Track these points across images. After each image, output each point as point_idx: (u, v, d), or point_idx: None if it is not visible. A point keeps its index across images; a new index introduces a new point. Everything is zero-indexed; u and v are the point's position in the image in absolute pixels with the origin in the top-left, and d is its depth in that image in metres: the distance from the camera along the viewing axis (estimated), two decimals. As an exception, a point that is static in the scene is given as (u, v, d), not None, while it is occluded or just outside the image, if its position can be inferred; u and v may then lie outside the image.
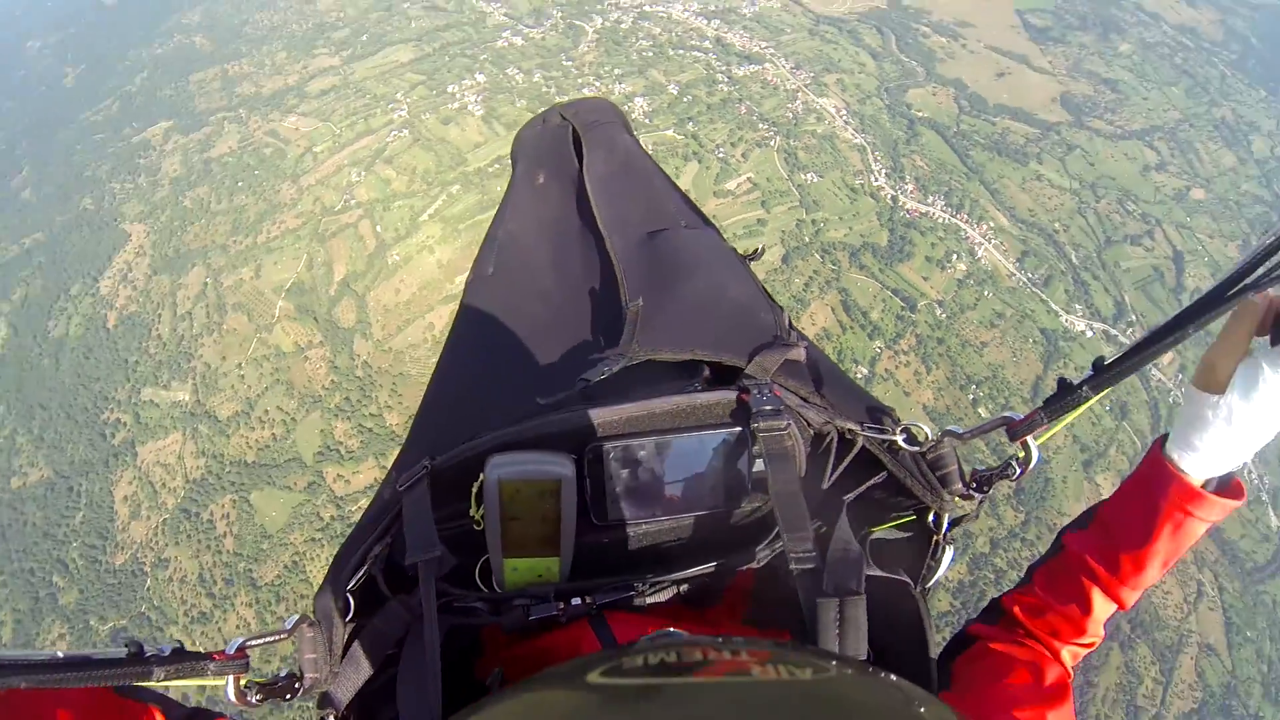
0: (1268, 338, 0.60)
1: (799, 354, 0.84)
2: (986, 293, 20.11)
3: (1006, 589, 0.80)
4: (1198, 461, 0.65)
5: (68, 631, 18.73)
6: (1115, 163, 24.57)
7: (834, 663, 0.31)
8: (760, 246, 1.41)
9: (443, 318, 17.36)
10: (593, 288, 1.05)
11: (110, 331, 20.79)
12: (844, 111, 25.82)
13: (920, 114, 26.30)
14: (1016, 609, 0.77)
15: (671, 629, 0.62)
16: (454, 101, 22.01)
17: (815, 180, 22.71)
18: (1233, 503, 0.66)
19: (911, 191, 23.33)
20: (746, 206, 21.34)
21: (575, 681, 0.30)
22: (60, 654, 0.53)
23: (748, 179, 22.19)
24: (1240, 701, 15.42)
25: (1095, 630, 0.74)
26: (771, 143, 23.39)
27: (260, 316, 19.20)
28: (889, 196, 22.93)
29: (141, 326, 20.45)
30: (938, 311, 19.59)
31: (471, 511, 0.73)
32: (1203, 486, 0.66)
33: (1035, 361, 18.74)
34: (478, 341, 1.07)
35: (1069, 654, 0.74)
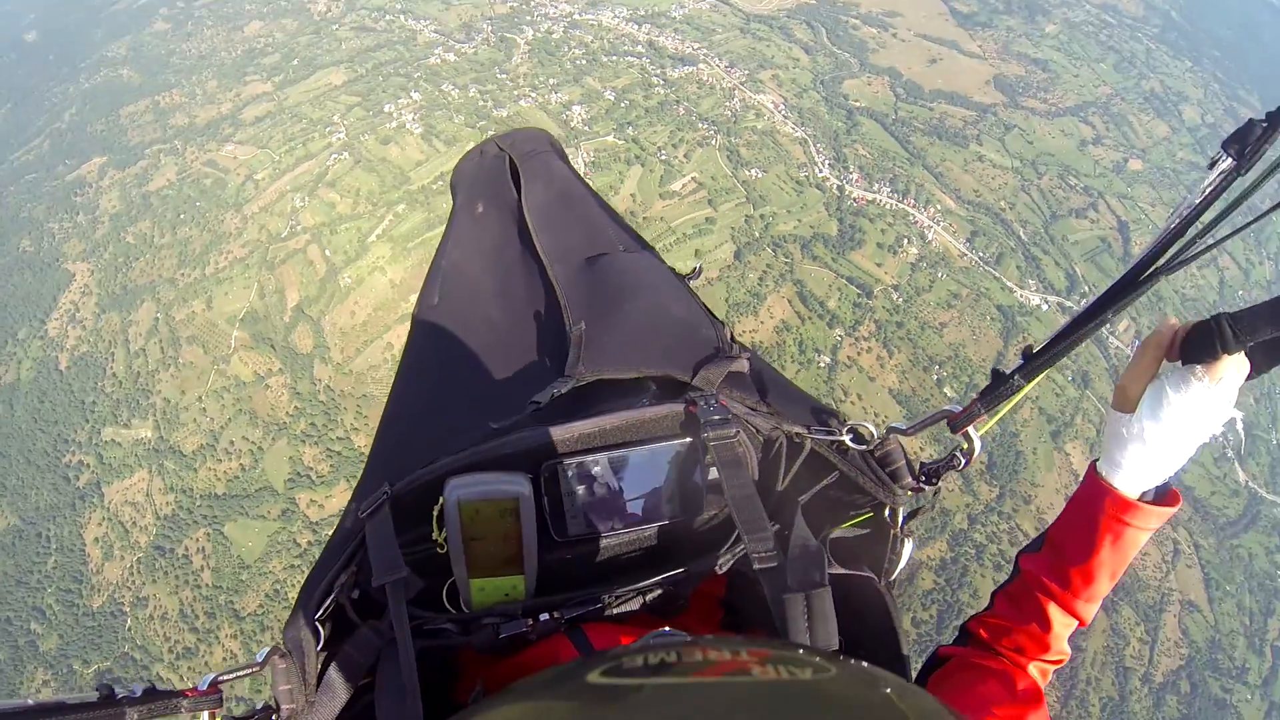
0: (1177, 362, 0.63)
1: (742, 365, 0.87)
2: (940, 274, 20.92)
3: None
4: (1126, 477, 0.69)
5: (51, 678, 18.85)
6: (1053, 139, 25.55)
7: (835, 663, 0.31)
8: (698, 266, 1.44)
9: (400, 337, 17.71)
10: (537, 313, 1.08)
11: (63, 373, 20.60)
12: (782, 106, 26.52)
13: (858, 104, 26.97)
14: (982, 630, 0.80)
15: (670, 629, 0.62)
16: (392, 121, 22.16)
17: (760, 176, 22.97)
18: (1168, 510, 0.69)
19: (857, 180, 23.57)
20: (694, 206, 21.83)
21: (575, 682, 0.30)
22: (31, 701, 0.54)
23: (692, 179, 22.73)
24: (1226, 655, 16.04)
25: (1059, 646, 0.76)
26: (713, 141, 23.98)
27: (216, 348, 19.30)
28: (835, 186, 23.45)
29: (95, 366, 20.31)
30: (894, 296, 20.27)
31: (434, 535, 0.75)
32: (1140, 498, 0.70)
33: (995, 338, 19.52)
34: (428, 369, 1.11)
35: (1036, 670, 0.77)
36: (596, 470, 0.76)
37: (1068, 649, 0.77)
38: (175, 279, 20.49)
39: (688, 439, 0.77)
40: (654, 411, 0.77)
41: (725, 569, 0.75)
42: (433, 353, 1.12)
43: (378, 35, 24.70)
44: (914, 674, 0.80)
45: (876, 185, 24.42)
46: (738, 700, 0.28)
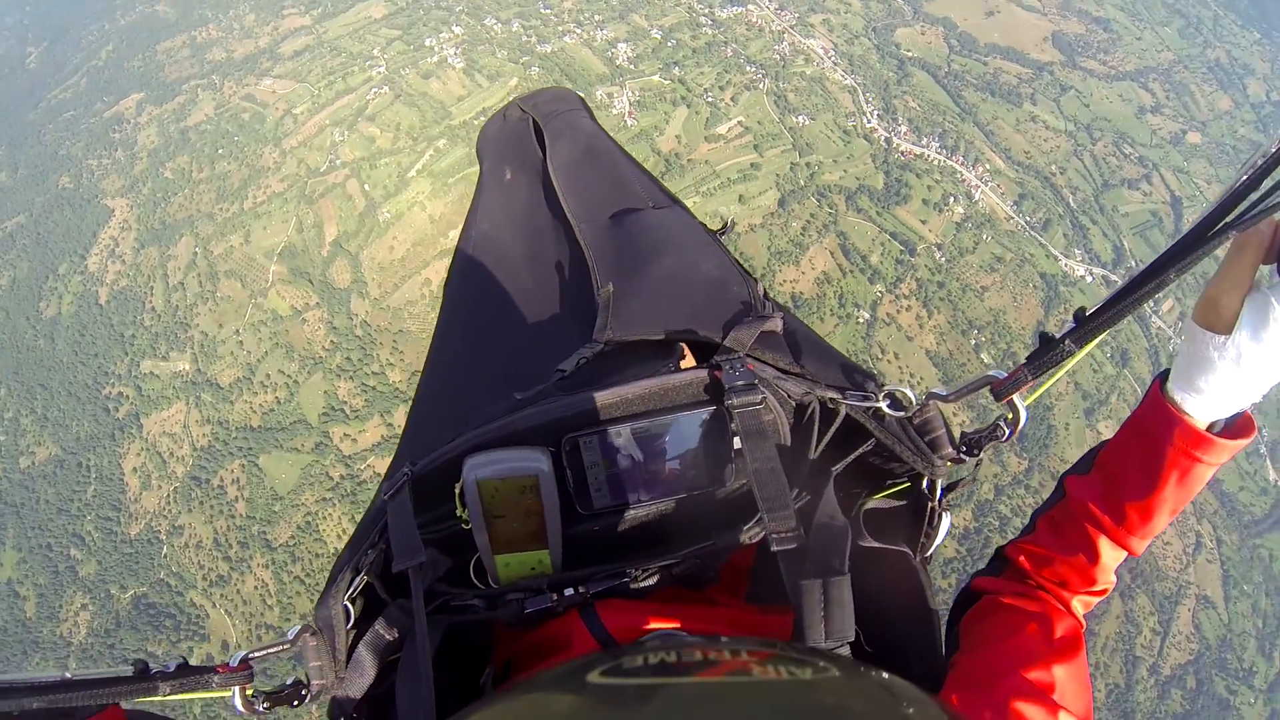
0: (1275, 266, 0.55)
1: (775, 325, 0.83)
2: (985, 236, 20.10)
3: (1011, 537, 0.78)
4: (1203, 404, 0.61)
5: (90, 601, 19.11)
6: (1110, 104, 24.27)
7: (834, 664, 0.30)
8: (729, 221, 1.38)
9: (438, 273, 17.30)
10: (567, 278, 1.05)
11: (103, 307, 20.63)
12: (832, 53, 25.35)
13: (910, 54, 25.86)
14: (1022, 559, 0.75)
15: (671, 630, 0.61)
16: (433, 55, 21.48)
17: (807, 123, 22.43)
18: (1242, 442, 0.62)
19: (905, 133, 23.11)
20: (739, 150, 21.12)
21: (575, 682, 0.30)
22: (69, 675, 0.54)
23: (739, 123, 21.88)
24: (1235, 655, 15.64)
25: (1105, 578, 0.71)
26: (760, 86, 23.00)
27: (254, 282, 19.07)
28: (882, 139, 22.70)
29: (134, 300, 20.29)
30: (937, 255, 19.58)
31: (457, 512, 0.75)
32: (1209, 429, 0.62)
33: (1036, 306, 18.76)
34: (458, 343, 1.10)
35: (1079, 604, 0.72)
36: (619, 441, 0.73)
37: (1114, 579, 0.71)
38: (213, 214, 20.25)
39: (711, 406, 0.73)
40: (677, 379, 0.74)
41: (756, 541, 0.73)
42: (463, 326, 1.12)
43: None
44: (949, 611, 0.75)
45: (925, 140, 23.49)
46: (738, 700, 0.28)
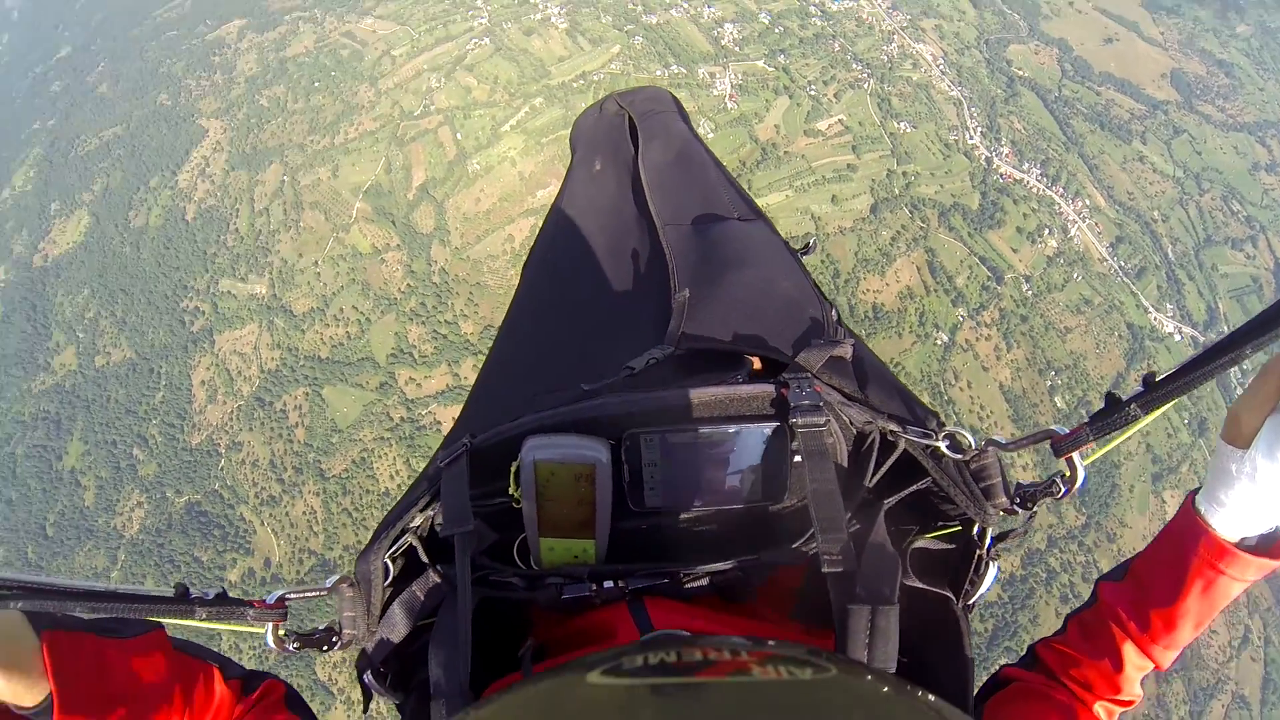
0: None
1: (845, 351, 0.83)
2: (1076, 275, 19.29)
3: (1042, 635, 0.77)
4: (1227, 518, 0.62)
5: (145, 500, 19.84)
6: (1223, 155, 22.94)
7: (834, 664, 0.31)
8: (812, 240, 1.41)
9: (523, 231, 17.16)
10: (644, 277, 1.06)
11: (189, 223, 21.14)
12: (941, 61, 24.35)
13: (1020, 73, 24.77)
14: (1050, 658, 0.75)
15: (672, 630, 0.62)
16: (536, 12, 21.16)
17: (908, 130, 21.71)
18: (1271, 563, 0.62)
19: (1007, 155, 22.25)
20: (837, 149, 20.48)
21: (575, 682, 0.30)
22: (115, 587, 0.55)
23: (839, 120, 21.19)
24: None
25: (1130, 689, 0.71)
26: (865, 85, 22.20)
27: (337, 216, 19.25)
28: (983, 157, 21.86)
29: (219, 220, 20.73)
30: (1024, 287, 18.84)
31: (510, 490, 0.74)
32: (1239, 544, 0.63)
33: (1119, 357, 18.00)
34: (530, 323, 1.11)
35: (1103, 710, 0.72)
36: (679, 444, 0.75)
37: (1139, 691, 0.72)
38: (304, 144, 20.45)
39: (775, 422, 0.74)
40: (745, 390, 0.75)
41: (804, 562, 0.74)
42: (536, 307, 1.14)
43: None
44: (976, 691, 0.75)
45: (1027, 165, 22.49)
46: (738, 700, 0.28)
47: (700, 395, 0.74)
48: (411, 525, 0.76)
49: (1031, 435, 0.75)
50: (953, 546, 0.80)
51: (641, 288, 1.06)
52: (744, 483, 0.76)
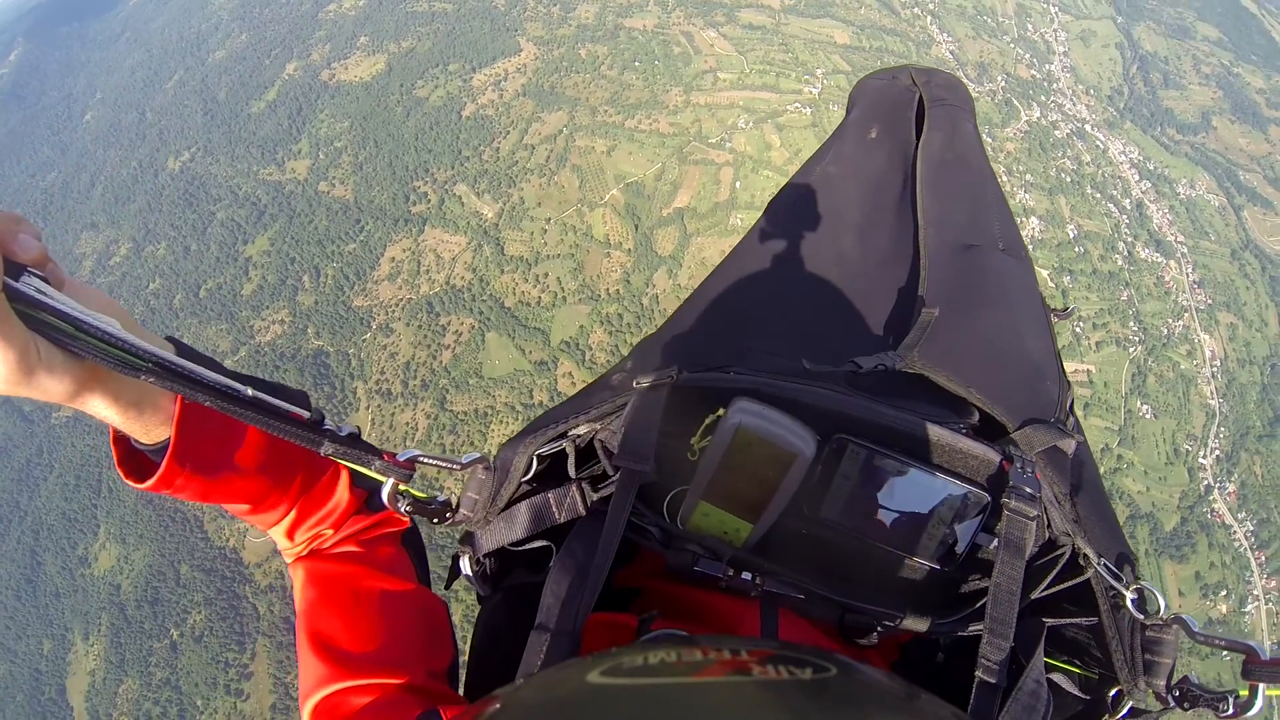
0: None
1: (1069, 445, 0.77)
2: (1227, 659, 17.47)
3: None
4: None
5: (289, 319, 20.82)
6: None
7: (834, 664, 0.31)
8: (1073, 306, 1.28)
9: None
10: (891, 269, 1.02)
11: (461, 119, 22.01)
12: (1218, 363, 21.98)
13: (1293, 419, 21.92)
14: None
15: (670, 630, 0.62)
16: (865, 110, 20.62)
17: (1148, 417, 19.68)
18: None
19: (1230, 494, 19.74)
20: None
21: (576, 681, 0.30)
22: (249, 392, 0.54)
23: (1087, 371, 19.45)
24: None
25: None
26: (1132, 350, 20.29)
27: (591, 191, 19.41)
28: (1204, 484, 19.49)
29: (488, 131, 21.45)
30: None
31: (693, 440, 0.72)
32: None
33: None
34: (762, 269, 1.07)
35: None
36: (882, 469, 0.72)
37: None
38: (597, 110, 20.77)
39: (986, 496, 0.72)
40: (969, 446, 0.72)
41: (936, 636, 0.74)
42: (772, 254, 1.08)
43: (897, 20, 23.04)
44: None
45: (1243, 515, 19.76)
46: (738, 700, 0.29)
47: (926, 431, 0.70)
48: (574, 432, 0.72)
49: (1230, 639, 0.68)
50: (1081, 695, 0.74)
51: (884, 280, 0.99)
52: (924, 537, 0.72)
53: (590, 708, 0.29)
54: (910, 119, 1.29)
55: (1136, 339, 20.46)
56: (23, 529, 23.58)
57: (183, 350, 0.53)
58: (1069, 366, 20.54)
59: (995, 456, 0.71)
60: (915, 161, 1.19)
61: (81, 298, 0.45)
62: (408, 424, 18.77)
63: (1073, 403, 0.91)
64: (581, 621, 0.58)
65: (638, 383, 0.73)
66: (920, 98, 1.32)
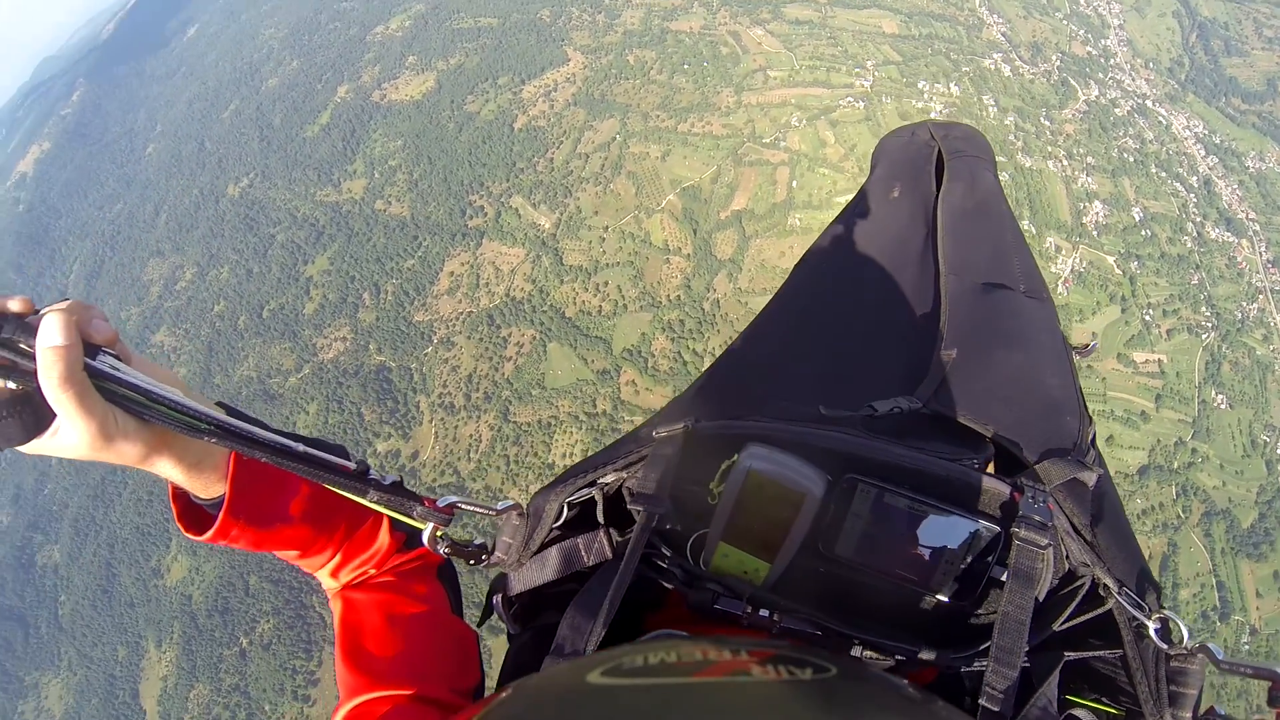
0: None
1: (1089, 478, 0.78)
2: None
3: None
4: None
5: (350, 336, 21.44)
6: None
7: (833, 664, 0.31)
8: (1092, 342, 1.37)
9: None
10: (911, 317, 1.06)
11: (514, 131, 22.30)
12: (1298, 352, 21.03)
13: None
14: None
15: (670, 630, 0.62)
16: (919, 99, 20.26)
17: (1224, 407, 18.76)
18: None
19: None
20: (1140, 390, 18.19)
21: (576, 682, 0.30)
22: (302, 448, 0.58)
23: (1158, 360, 18.87)
24: None
25: None
26: (1205, 336, 19.61)
27: (647, 197, 19.51)
28: None
29: (541, 142, 21.69)
30: (1246, 637, 16.49)
31: (710, 485, 0.76)
32: None
33: None
34: (783, 324, 1.12)
35: None
36: (893, 507, 0.74)
37: None
38: (649, 115, 20.83)
39: (996, 528, 0.73)
40: (980, 479, 0.75)
41: (951, 670, 0.76)
42: (795, 312, 1.15)
43: (945, 4, 22.52)
44: None
45: None
46: (738, 700, 0.29)
47: (933, 468, 0.73)
48: (602, 480, 0.76)
49: (1256, 666, 0.68)
50: None
51: (905, 327, 1.04)
52: (938, 571, 0.73)
53: (590, 707, 0.29)
54: (930, 172, 1.34)
55: (1209, 325, 19.76)
56: (99, 542, 24.83)
57: (232, 412, 0.59)
58: (1138, 357, 20.02)
59: (1005, 488, 0.73)
60: (936, 212, 1.23)
61: (146, 370, 0.52)
62: (471, 436, 19.22)
63: (1094, 436, 0.93)
64: (593, 646, 0.60)
65: (657, 433, 0.79)
66: (940, 151, 1.37)
